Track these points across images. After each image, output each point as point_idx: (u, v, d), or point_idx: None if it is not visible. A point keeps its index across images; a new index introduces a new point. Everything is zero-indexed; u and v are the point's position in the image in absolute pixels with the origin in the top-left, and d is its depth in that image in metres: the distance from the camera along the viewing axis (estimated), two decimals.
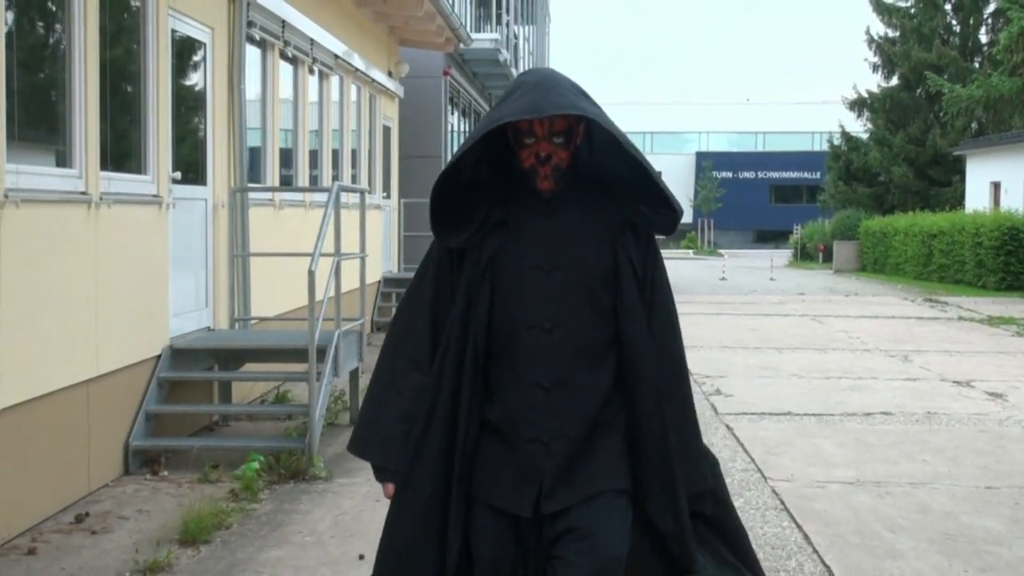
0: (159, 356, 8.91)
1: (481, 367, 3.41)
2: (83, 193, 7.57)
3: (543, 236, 3.41)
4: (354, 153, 16.92)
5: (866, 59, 52.67)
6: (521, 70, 30.31)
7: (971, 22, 49.83)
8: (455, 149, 24.68)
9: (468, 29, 22.30)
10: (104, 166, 7.89)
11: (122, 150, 8.50)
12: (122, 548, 6.49)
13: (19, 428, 6.74)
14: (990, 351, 16.21)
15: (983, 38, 49.65)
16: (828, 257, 47.69)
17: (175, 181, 9.29)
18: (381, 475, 3.52)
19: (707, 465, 3.55)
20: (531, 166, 3.38)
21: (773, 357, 15.12)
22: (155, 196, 8.85)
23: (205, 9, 9.96)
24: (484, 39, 23.96)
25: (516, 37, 31.14)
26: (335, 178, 15.32)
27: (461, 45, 21.48)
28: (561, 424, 3.36)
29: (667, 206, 3.44)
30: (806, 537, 6.80)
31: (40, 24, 7.56)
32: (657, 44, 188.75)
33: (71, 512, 7.19)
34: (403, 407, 3.46)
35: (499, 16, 28.30)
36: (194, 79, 10.10)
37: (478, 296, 3.41)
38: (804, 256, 53.84)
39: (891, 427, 10.32)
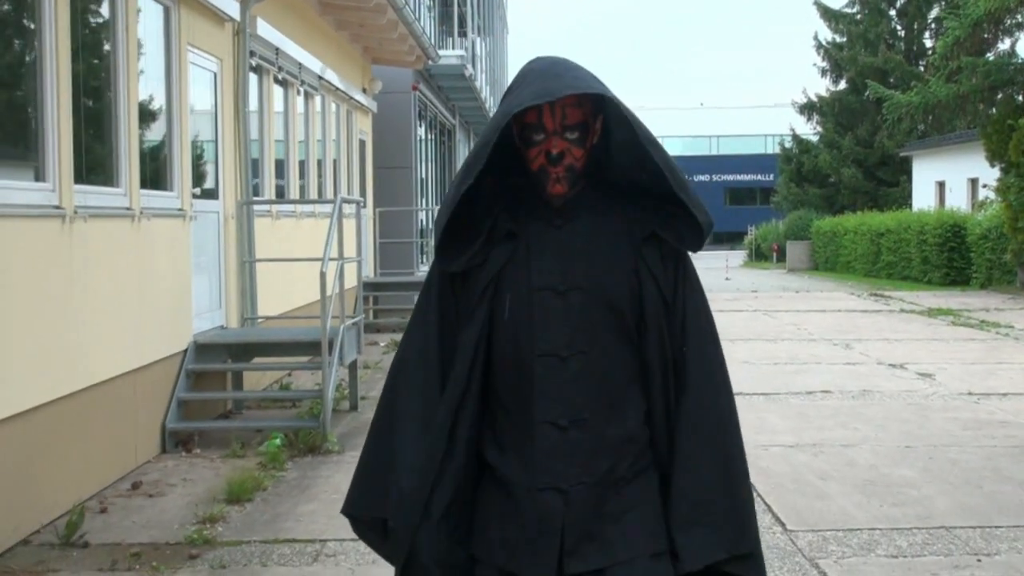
0: (186, 350, 10.13)
1: (476, 400, 2.99)
2: (127, 208, 8.81)
3: (556, 251, 2.97)
4: (335, 164, 18.16)
5: (815, 64, 54.30)
6: (480, 82, 31.59)
7: (915, 27, 51.54)
8: (423, 160, 25.96)
9: (434, 45, 23.55)
10: (143, 185, 9.13)
11: (156, 170, 9.74)
12: (178, 506, 7.73)
13: (85, 409, 7.95)
14: (925, 339, 17.63)
15: (927, 42, 51.28)
16: (782, 257, 49.22)
17: (195, 196, 10.53)
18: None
19: (752, 525, 3.01)
20: (541, 167, 2.94)
21: (726, 347, 16.25)
22: (180, 210, 10.09)
23: (215, 42, 11.19)
24: (451, 55, 25.21)
25: (477, 51, 32.38)
26: (320, 189, 16.59)
27: (429, 62, 22.71)
28: (581, 469, 2.91)
29: (692, 218, 2.98)
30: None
31: (99, 75, 8.77)
32: (613, 51, 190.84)
33: (127, 481, 8.42)
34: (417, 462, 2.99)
35: (464, 32, 29.55)
36: (207, 105, 11.33)
37: (475, 318, 2.98)
38: (759, 256, 55.42)
39: (829, 403, 11.66)
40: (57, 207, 7.49)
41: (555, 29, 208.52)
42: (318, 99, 16.47)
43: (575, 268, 2.95)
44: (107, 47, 8.73)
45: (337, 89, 17.48)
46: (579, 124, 2.92)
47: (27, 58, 7.48)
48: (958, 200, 39.18)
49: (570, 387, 2.92)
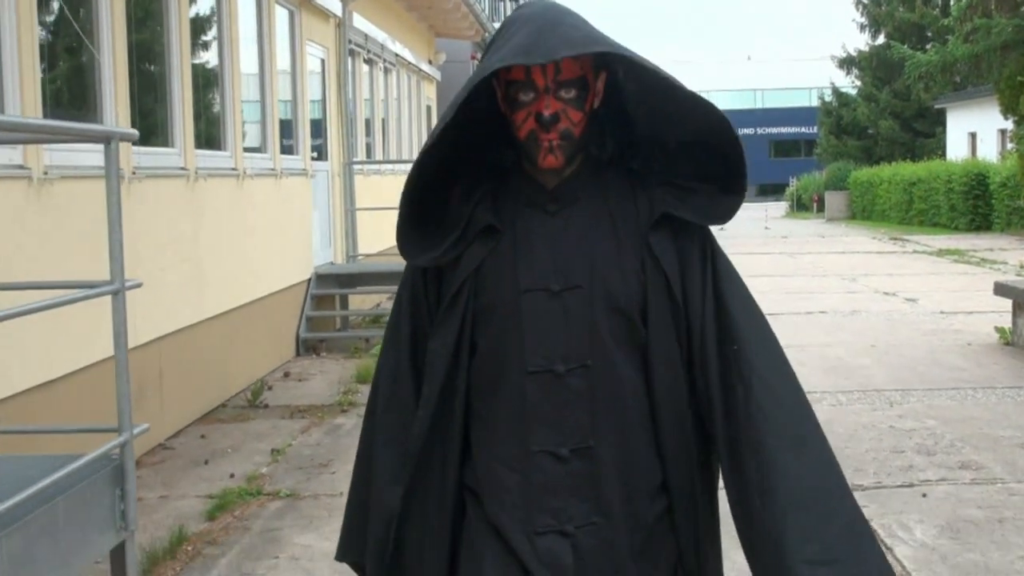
0: (310, 279, 12.98)
1: (458, 425, 2.53)
2: (272, 169, 11.64)
3: (549, 243, 2.47)
4: (409, 127, 21.01)
5: (854, 20, 56.34)
6: None
7: None
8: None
9: (489, 18, 26.26)
10: (282, 151, 11.98)
11: (286, 139, 12.58)
12: (322, 386, 10.58)
13: (253, 316, 10.80)
14: (925, 273, 20.25)
15: None
16: (822, 207, 51.46)
17: (313, 159, 13.36)
18: None
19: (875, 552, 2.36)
20: (530, 133, 2.40)
21: (748, 283, 18.92)
22: (303, 170, 12.92)
23: (324, 35, 14.00)
24: None
25: None
26: (398, 148, 19.47)
27: (486, 34, 25.37)
28: (588, 506, 2.44)
29: (732, 181, 2.52)
30: None
31: (254, 72, 11.56)
32: (659, 3, 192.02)
33: (279, 372, 11.29)
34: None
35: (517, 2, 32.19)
36: (318, 88, 14.14)
37: (446, 327, 2.50)
38: (800, 207, 57.67)
39: (823, 320, 14.35)
40: (233, 168, 10.34)
41: None
42: (394, 73, 19.26)
43: (573, 263, 2.46)
44: (256, 48, 11.54)
45: (409, 63, 20.28)
46: (576, 80, 2.40)
47: (213, 63, 10.28)
48: (988, 150, 41.23)
49: (570, 409, 2.44)
